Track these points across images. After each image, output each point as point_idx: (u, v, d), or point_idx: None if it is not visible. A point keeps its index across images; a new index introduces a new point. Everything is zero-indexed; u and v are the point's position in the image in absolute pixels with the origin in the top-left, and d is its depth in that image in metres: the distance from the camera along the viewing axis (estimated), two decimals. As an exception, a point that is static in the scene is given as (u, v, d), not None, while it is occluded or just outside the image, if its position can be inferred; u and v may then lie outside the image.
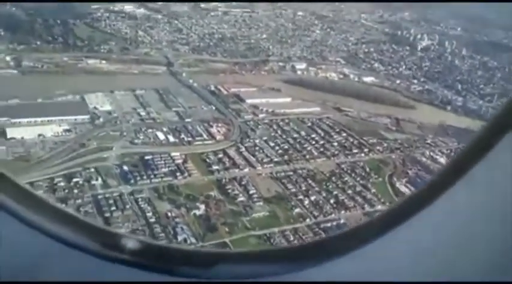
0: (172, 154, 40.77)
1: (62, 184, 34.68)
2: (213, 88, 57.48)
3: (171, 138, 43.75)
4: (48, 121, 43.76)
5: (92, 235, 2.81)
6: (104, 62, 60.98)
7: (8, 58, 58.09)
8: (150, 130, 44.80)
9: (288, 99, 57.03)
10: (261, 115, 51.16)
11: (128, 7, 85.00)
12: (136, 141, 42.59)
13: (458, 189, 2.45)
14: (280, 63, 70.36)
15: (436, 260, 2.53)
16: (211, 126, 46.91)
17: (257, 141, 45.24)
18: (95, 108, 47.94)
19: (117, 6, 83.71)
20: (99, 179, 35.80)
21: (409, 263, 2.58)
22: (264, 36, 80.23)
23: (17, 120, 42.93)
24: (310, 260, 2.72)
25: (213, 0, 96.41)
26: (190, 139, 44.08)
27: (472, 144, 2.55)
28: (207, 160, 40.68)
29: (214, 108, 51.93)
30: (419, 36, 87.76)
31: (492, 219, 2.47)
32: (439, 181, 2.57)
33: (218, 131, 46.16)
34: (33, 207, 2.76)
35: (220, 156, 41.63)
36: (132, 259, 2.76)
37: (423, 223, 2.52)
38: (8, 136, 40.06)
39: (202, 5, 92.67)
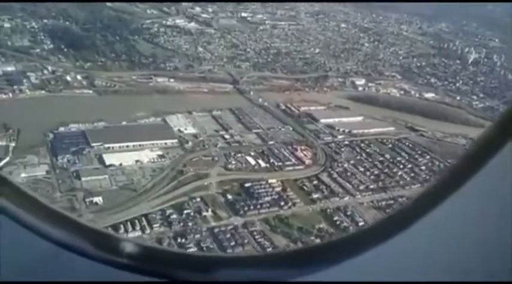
0: (270, 181, 39.62)
1: (175, 216, 33.65)
2: (283, 107, 56.31)
3: (262, 163, 42.59)
4: (140, 145, 42.82)
5: (92, 239, 2.78)
6: (172, 80, 60.06)
7: (79, 77, 57.41)
8: (239, 154, 43.70)
9: (359, 118, 55.65)
10: (339, 137, 49.83)
11: (180, 21, 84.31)
12: (229, 166, 41.50)
13: (459, 196, 2.42)
14: (340, 79, 69.02)
15: (437, 266, 2.51)
16: (296, 150, 45.69)
17: (346, 165, 43.93)
18: (180, 130, 46.97)
19: (170, 21, 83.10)
20: (209, 210, 34.72)
21: (410, 268, 2.54)
22: (317, 50, 78.85)
23: (110, 145, 42.04)
24: (308, 266, 2.70)
25: (217, 0, 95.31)
26: (280, 163, 42.89)
27: (473, 152, 2.53)
28: (305, 187, 39.43)
29: (291, 128, 50.73)
30: (466, 49, 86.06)
31: (493, 226, 2.44)
32: (440, 188, 2.56)
33: (304, 155, 44.92)
34: (33, 210, 2.72)
35: (316, 182, 40.37)
36: (132, 263, 2.72)
37: (424, 229, 2.50)
38: (107, 163, 39.16)
39: (249, 18, 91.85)
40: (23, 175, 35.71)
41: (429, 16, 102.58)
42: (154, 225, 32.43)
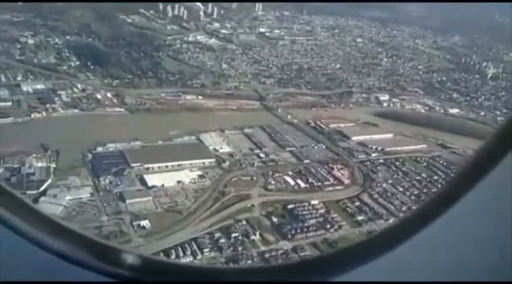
0: (312, 202, 38.94)
1: (224, 240, 32.95)
2: (313, 124, 55.82)
3: (301, 183, 41.96)
4: (178, 165, 42.28)
5: (90, 249, 2.73)
6: (200, 97, 59.73)
7: (109, 94, 57.09)
8: (276, 174, 43.09)
9: (390, 135, 55.06)
10: (373, 155, 49.21)
11: (200, 37, 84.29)
12: (269, 186, 40.86)
13: (461, 205, 2.43)
14: (364, 95, 68.63)
15: (438, 276, 2.52)
16: (333, 169, 45.07)
17: (384, 185, 43.26)
18: (215, 149, 46.46)
19: (191, 37, 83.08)
20: (257, 234, 34.01)
21: (411, 279, 2.55)
22: (338, 66, 78.62)
23: (150, 166, 41.50)
24: (308, 277, 2.73)
25: (215, 0, 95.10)
26: (319, 183, 42.23)
27: (474, 162, 2.52)
28: (348, 209, 38.73)
29: (324, 146, 50.16)
30: (484, 64, 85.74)
31: (495, 234, 2.45)
32: (439, 201, 2.56)
33: (342, 174, 44.28)
34: (30, 220, 2.67)
35: (358, 203, 39.66)
36: (130, 275, 2.69)
37: (424, 241, 2.49)
38: (149, 185, 38.56)
39: (268, 33, 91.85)
40: (67, 197, 35.16)
41: (441, 29, 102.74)
42: (205, 250, 31.75)
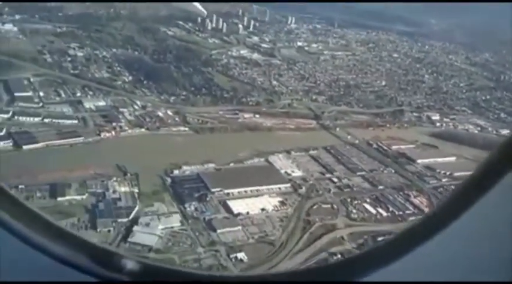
0: (399, 233, 37.31)
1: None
2: (375, 145, 54.30)
3: (382, 212, 40.42)
4: (256, 191, 40.85)
5: (90, 254, 2.69)
6: (257, 116, 58.38)
7: (169, 112, 55.80)
8: (355, 201, 41.58)
9: (453, 159, 53.40)
10: (444, 180, 47.56)
11: (243, 51, 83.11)
12: (352, 216, 39.35)
13: (460, 224, 2.43)
14: (415, 114, 67.13)
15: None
16: (409, 196, 43.52)
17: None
18: (287, 173, 45.00)
19: (234, 51, 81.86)
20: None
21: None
22: (384, 83, 77.14)
23: (230, 191, 40.08)
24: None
25: (213, 0, 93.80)
26: (400, 212, 40.69)
27: (473, 180, 2.49)
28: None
29: (393, 171, 48.58)
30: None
31: (493, 251, 2.47)
32: (439, 217, 2.56)
33: (420, 202, 42.74)
34: (30, 223, 2.63)
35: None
36: (129, 279, 2.65)
37: (423, 255, 2.53)
38: (235, 212, 37.11)
39: (306, 48, 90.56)
40: (160, 227, 33.76)
41: (470, 45, 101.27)
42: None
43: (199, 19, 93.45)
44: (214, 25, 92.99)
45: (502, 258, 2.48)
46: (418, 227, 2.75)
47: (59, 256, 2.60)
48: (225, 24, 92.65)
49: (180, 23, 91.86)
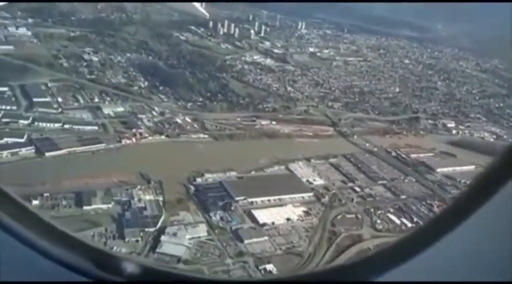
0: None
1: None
2: (394, 153, 53.81)
3: (407, 222, 39.91)
4: (279, 200, 40.42)
5: (90, 257, 2.66)
6: (274, 122, 57.99)
7: (188, 119, 55.42)
8: (378, 211, 41.10)
9: (472, 167, 52.51)
10: (465, 190, 46.99)
11: (256, 57, 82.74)
12: (378, 226, 38.87)
13: (459, 233, 2.46)
14: (430, 121, 66.65)
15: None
16: (432, 206, 42.98)
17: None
18: (309, 181, 44.56)
19: (248, 57, 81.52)
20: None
21: None
22: (398, 89, 76.69)
23: (253, 200, 39.66)
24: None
25: (210, 0, 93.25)
26: (424, 222, 40.15)
27: (474, 189, 2.52)
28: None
29: (414, 180, 48.10)
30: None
31: (492, 262, 2.50)
32: (438, 227, 2.61)
33: (443, 212, 42.14)
34: (31, 225, 2.60)
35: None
36: (128, 281, 2.62)
37: (422, 264, 2.57)
38: (260, 222, 36.67)
39: (318, 53, 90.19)
40: (187, 236, 33.33)
41: (479, 51, 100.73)
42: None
43: (210, 24, 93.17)
44: (226, 30, 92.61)
45: (504, 259, 2.51)
46: (421, 233, 2.82)
47: (57, 257, 2.57)
48: (237, 29, 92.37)
49: (192, 27, 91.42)
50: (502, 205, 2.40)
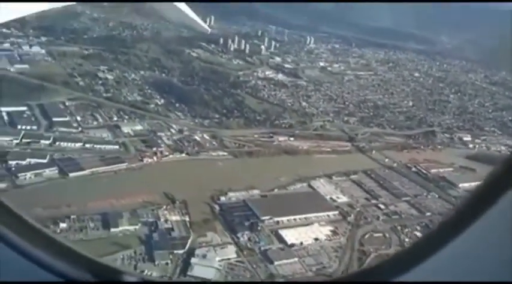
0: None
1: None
2: (414, 169, 53.24)
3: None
4: (305, 219, 39.79)
5: (90, 269, 2.65)
6: (291, 138, 57.63)
7: (206, 136, 55.16)
8: (405, 229, 40.40)
9: (493, 182, 52.18)
10: (489, 206, 46.32)
11: (268, 72, 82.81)
12: (406, 245, 38.11)
13: (460, 241, 2.47)
14: (446, 135, 66.19)
15: None
16: (458, 222, 42.20)
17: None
18: (332, 199, 43.99)
19: (260, 72, 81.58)
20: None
21: None
22: (411, 103, 76.46)
23: (279, 219, 39.06)
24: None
25: (208, 0, 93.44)
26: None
27: (473, 199, 2.52)
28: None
29: (437, 196, 47.42)
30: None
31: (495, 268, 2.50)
32: (438, 236, 2.61)
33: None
34: (30, 237, 2.60)
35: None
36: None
37: (423, 273, 2.59)
38: (288, 242, 36.01)
39: (329, 68, 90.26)
40: (217, 258, 32.68)
41: (486, 62, 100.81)
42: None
43: (221, 40, 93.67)
44: (236, 46, 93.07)
45: (504, 266, 2.51)
46: (422, 243, 2.89)
47: (56, 269, 2.56)
48: (247, 45, 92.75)
49: (203, 44, 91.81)
50: (503, 213, 2.41)
